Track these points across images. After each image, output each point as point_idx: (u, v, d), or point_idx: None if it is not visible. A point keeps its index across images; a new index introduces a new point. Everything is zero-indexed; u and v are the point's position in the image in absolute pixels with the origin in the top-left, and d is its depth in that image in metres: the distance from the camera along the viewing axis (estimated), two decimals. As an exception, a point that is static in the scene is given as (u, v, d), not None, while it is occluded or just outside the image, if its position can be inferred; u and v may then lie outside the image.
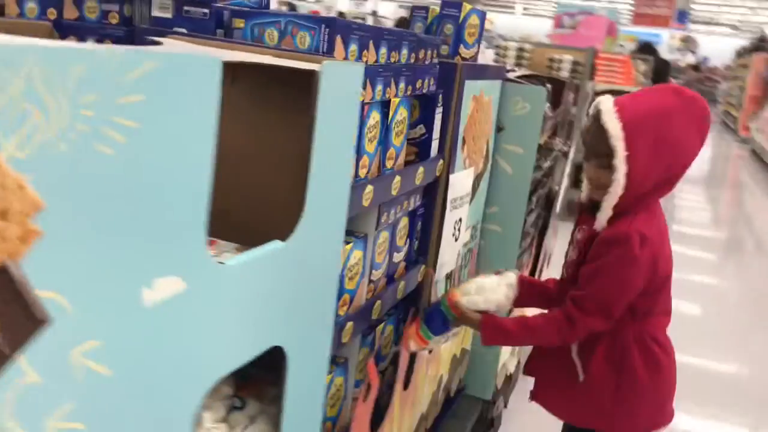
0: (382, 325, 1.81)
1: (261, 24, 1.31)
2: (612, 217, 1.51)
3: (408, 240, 1.86)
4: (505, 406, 2.75)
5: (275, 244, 0.94)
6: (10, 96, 0.53)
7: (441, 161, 1.86)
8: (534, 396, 1.76)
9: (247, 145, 1.10)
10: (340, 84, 1.03)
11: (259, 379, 1.11)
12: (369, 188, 1.43)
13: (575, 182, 6.29)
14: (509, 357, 2.67)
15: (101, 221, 0.65)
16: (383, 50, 1.53)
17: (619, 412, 1.59)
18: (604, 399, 1.58)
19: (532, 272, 2.94)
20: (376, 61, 1.50)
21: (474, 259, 2.39)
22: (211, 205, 1.17)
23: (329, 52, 1.28)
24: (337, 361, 1.60)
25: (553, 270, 3.63)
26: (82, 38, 1.49)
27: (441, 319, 1.64)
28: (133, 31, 1.47)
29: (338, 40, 1.29)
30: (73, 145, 0.59)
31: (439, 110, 1.81)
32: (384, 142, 1.55)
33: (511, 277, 1.74)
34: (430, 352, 1.83)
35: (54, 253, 0.60)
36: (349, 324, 1.50)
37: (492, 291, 1.65)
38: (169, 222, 0.73)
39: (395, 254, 1.78)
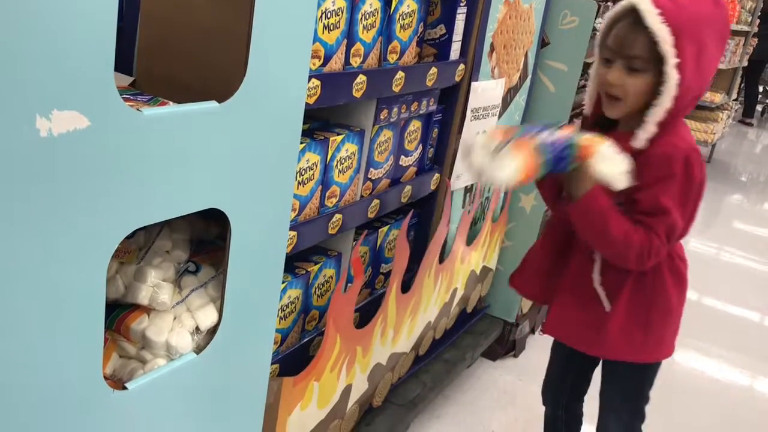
0: (386, 228, 1.80)
1: None
2: (656, 133, 1.36)
3: (421, 146, 1.82)
4: (533, 332, 2.72)
5: (210, 104, 0.94)
6: None
7: (462, 66, 1.80)
8: (549, 327, 1.60)
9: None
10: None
11: (221, 249, 1.13)
12: (361, 78, 1.40)
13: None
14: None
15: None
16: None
17: (651, 341, 1.48)
18: (636, 329, 1.46)
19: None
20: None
21: (504, 177, 2.33)
22: (157, 68, 1.17)
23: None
24: (328, 254, 1.62)
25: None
26: None
27: (564, 158, 1.31)
28: None
29: None
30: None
31: (462, 10, 1.73)
32: (386, 33, 1.50)
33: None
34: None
35: None
36: (338, 216, 1.51)
37: (612, 164, 1.34)
38: (71, 53, 0.73)
39: (403, 158, 1.75)
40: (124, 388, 0.96)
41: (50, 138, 0.75)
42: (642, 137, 1.36)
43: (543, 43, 2.28)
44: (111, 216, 0.84)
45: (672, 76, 1.30)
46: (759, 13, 6.57)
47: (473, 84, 1.86)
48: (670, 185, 1.35)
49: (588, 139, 1.33)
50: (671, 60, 1.29)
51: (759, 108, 9.44)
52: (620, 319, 1.46)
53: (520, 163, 1.26)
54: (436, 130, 1.87)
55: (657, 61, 1.31)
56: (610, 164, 1.31)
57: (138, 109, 0.85)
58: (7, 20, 0.67)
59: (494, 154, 1.26)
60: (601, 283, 1.49)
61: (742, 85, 8.43)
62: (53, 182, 0.77)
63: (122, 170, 0.84)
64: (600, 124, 1.47)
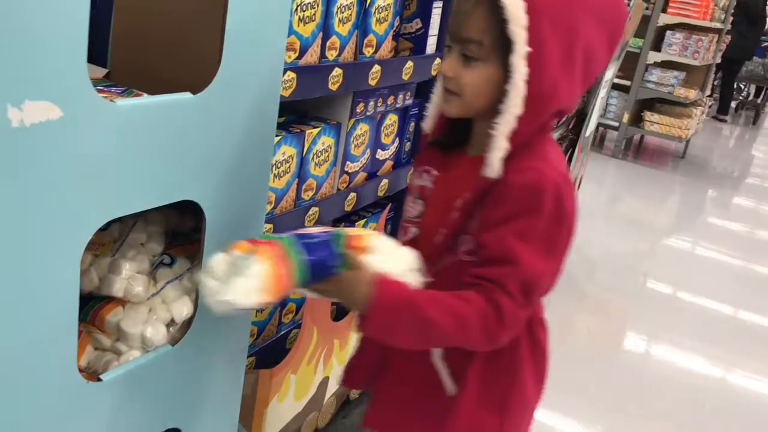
0: (363, 221, 1.81)
1: None
2: (511, 153, 0.96)
3: (398, 139, 1.83)
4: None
5: (184, 96, 0.94)
6: None
7: (438, 60, 1.81)
8: (370, 419, 1.19)
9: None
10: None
11: (197, 242, 1.13)
12: (337, 71, 1.40)
13: (636, 119, 6.08)
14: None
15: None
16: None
17: (508, 427, 1.11)
18: (489, 416, 1.08)
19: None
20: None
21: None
22: (131, 59, 1.17)
23: None
24: (305, 248, 1.62)
25: (582, 196, 3.55)
26: None
27: (327, 257, 0.95)
28: None
29: None
30: None
31: (438, 4, 1.75)
32: (362, 26, 1.51)
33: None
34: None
35: None
36: (314, 209, 1.51)
37: (395, 260, 1.00)
38: (47, 41, 0.73)
39: (380, 151, 1.76)
40: (99, 380, 0.96)
41: (22, 128, 0.74)
42: (493, 160, 0.96)
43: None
44: (84, 207, 0.84)
45: (519, 70, 0.92)
46: (732, 11, 6.66)
47: (449, 78, 1.87)
48: (532, 225, 0.95)
49: (357, 230, 1.00)
50: (520, 48, 0.92)
51: (733, 105, 9.57)
52: (469, 404, 1.07)
53: (264, 276, 0.88)
54: (412, 123, 1.88)
55: (506, 48, 0.93)
56: (390, 260, 0.97)
57: (111, 100, 0.85)
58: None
59: (232, 272, 0.89)
60: (442, 357, 1.08)
61: (716, 81, 8.55)
62: (25, 172, 0.76)
63: (96, 161, 0.84)
64: (444, 146, 1.10)
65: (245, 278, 0.87)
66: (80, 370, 0.92)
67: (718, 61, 6.91)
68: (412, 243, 1.07)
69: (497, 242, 0.96)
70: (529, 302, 0.97)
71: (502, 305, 0.95)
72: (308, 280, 0.93)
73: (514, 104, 0.94)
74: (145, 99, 0.90)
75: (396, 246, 1.01)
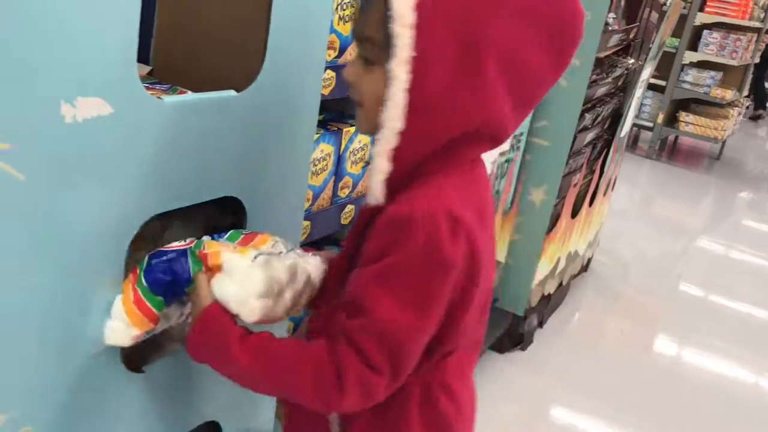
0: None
1: None
2: (397, 179, 0.81)
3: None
4: (540, 326, 2.73)
5: (228, 93, 0.95)
6: None
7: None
8: None
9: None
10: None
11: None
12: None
13: (671, 119, 5.99)
14: (547, 276, 2.63)
15: (14, 23, 0.67)
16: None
17: None
18: None
19: (592, 195, 2.85)
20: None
21: (512, 171, 2.33)
22: (174, 58, 1.18)
23: None
24: (340, 245, 1.63)
25: (615, 197, 3.51)
26: None
27: (184, 272, 0.88)
28: None
29: None
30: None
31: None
32: (400, 25, 1.51)
33: (301, 266, 0.90)
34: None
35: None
36: (350, 207, 1.52)
37: (240, 283, 0.85)
38: (97, 41, 0.75)
39: (415, 149, 1.76)
40: (142, 371, 0.98)
41: (74, 123, 0.76)
42: (373, 184, 0.82)
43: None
44: (130, 202, 0.86)
45: (398, 77, 0.77)
46: (772, 10, 6.54)
47: (485, 77, 1.87)
48: (394, 266, 0.79)
49: (213, 244, 0.89)
50: (401, 51, 0.76)
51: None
52: None
53: (125, 306, 0.86)
54: (447, 122, 1.88)
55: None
56: (233, 283, 0.85)
57: (158, 97, 0.87)
58: (33, 10, 0.69)
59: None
60: (339, 419, 0.92)
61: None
62: (75, 165, 0.78)
63: (142, 157, 0.86)
64: None
65: (111, 320, 0.87)
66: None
67: (757, 60, 6.79)
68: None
69: (356, 285, 0.81)
70: (391, 365, 0.79)
71: (344, 364, 0.78)
72: (165, 301, 0.88)
73: (391, 117, 0.78)
74: (191, 96, 0.92)
75: (249, 266, 0.85)
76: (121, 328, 0.87)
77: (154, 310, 0.88)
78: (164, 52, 1.20)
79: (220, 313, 0.85)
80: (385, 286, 0.79)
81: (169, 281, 0.88)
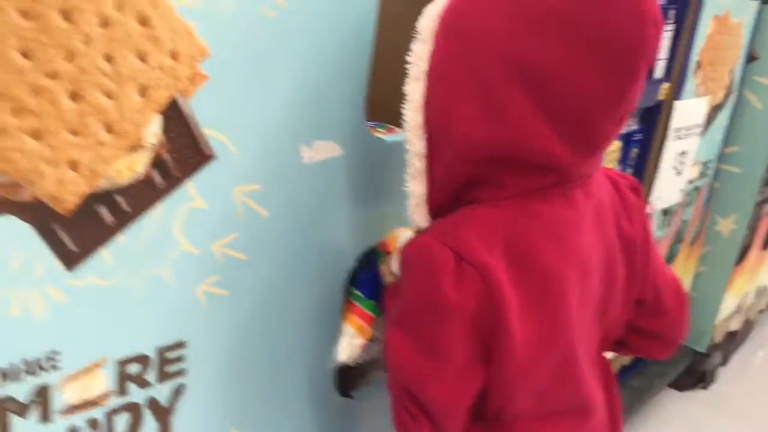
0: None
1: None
2: (442, 204, 0.75)
3: (621, 166, 1.78)
4: (723, 364, 2.55)
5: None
6: (184, -47, 0.63)
7: (666, 84, 1.73)
8: None
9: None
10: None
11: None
12: (569, 100, 1.39)
13: None
14: (734, 312, 2.46)
15: (266, 78, 0.73)
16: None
17: None
18: None
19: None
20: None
21: (701, 199, 2.20)
22: (385, 94, 1.23)
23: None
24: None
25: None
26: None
27: (373, 272, 0.92)
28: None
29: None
30: (239, 5, 0.68)
31: (669, 27, 1.67)
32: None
33: None
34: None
35: (220, 99, 0.70)
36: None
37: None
38: (330, 93, 0.81)
39: (601, 177, 1.72)
40: (351, 396, 1.02)
41: (310, 164, 0.82)
42: (411, 211, 0.77)
43: (750, 57, 2.14)
44: (357, 231, 0.91)
45: (410, 96, 0.72)
46: None
47: (676, 103, 1.79)
48: (401, 307, 0.76)
49: (395, 232, 0.90)
50: (412, 67, 0.72)
51: None
52: None
53: (348, 321, 0.92)
54: (635, 149, 1.82)
55: None
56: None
57: (379, 137, 0.91)
58: (283, 75, 0.75)
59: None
60: None
61: None
62: (309, 202, 0.84)
63: (366, 190, 0.90)
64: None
65: (341, 336, 0.92)
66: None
67: None
68: None
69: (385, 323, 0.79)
70: (425, 413, 0.73)
71: (393, 410, 0.77)
72: (378, 304, 0.91)
73: (409, 139, 0.74)
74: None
75: None
76: (350, 341, 0.91)
77: (370, 313, 0.92)
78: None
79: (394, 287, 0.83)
80: (398, 327, 0.75)
81: (375, 281, 0.91)
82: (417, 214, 0.76)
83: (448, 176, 0.73)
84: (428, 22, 0.71)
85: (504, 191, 0.72)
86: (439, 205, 0.75)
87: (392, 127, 1.09)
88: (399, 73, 1.02)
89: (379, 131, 1.06)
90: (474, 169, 0.71)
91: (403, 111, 0.73)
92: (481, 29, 0.68)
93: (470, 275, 0.69)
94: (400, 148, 0.93)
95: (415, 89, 0.71)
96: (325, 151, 0.83)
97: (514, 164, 0.70)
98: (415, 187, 0.75)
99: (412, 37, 0.72)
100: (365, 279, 0.93)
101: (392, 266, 0.86)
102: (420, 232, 0.75)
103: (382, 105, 1.23)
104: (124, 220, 0.67)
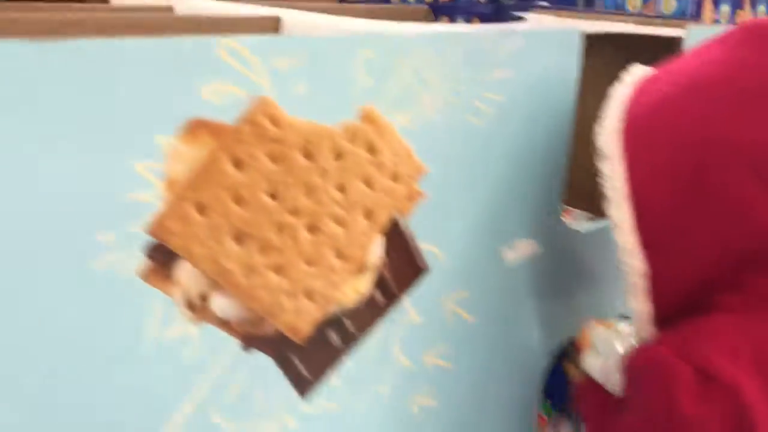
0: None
1: (623, -8, 1.29)
2: (668, 315, 0.68)
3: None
4: None
5: (630, 214, 0.94)
6: (404, 78, 0.64)
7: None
8: None
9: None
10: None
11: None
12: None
13: None
14: None
15: (470, 186, 0.73)
16: (762, 7, 1.38)
17: None
18: None
19: None
20: (752, 19, 1.37)
21: None
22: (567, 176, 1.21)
23: (697, 15, 1.21)
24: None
25: None
26: (452, 18, 1.63)
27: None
28: (499, 8, 1.56)
29: (708, 1, 1.22)
30: (448, 118, 0.68)
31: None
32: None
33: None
34: None
35: (432, 212, 0.70)
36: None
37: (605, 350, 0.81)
38: (530, 190, 0.79)
39: None
40: None
41: (511, 266, 0.80)
42: (636, 326, 0.71)
43: None
44: (553, 328, 0.89)
45: (618, 221, 0.66)
46: None
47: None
48: (626, 426, 0.68)
49: (587, 327, 0.84)
50: (613, 192, 0.66)
51: None
52: None
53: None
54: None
55: None
56: (595, 354, 0.80)
57: (573, 228, 0.88)
58: (485, 172, 0.74)
59: None
60: None
61: None
62: (513, 302, 0.82)
63: (562, 284, 0.88)
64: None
65: None
66: None
67: None
68: None
69: None
70: None
71: None
72: (553, 404, 0.90)
73: (625, 262, 0.67)
74: (599, 224, 0.92)
75: (610, 335, 0.79)
76: None
77: (543, 415, 0.91)
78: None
79: (588, 387, 0.79)
80: None
81: (551, 381, 0.88)
82: (644, 331, 0.70)
83: (679, 286, 0.67)
84: (609, 137, 0.65)
85: (751, 295, 0.64)
86: (667, 315, 0.68)
87: (568, 208, 1.06)
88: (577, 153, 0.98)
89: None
90: (714, 272, 0.64)
91: (614, 235, 0.67)
92: (685, 124, 0.61)
93: (716, 393, 0.61)
94: (592, 237, 0.91)
95: (620, 214, 0.65)
96: (524, 249, 0.81)
97: (762, 264, 0.63)
98: (639, 305, 0.68)
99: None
100: (553, 384, 0.90)
101: (582, 364, 0.82)
102: (649, 341, 0.69)
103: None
104: (350, 341, 0.67)
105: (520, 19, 1.20)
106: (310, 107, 0.58)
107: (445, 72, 0.66)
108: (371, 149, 0.63)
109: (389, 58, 0.62)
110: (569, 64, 0.78)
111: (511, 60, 0.72)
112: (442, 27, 0.73)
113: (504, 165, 0.75)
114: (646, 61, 1.00)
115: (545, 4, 1.42)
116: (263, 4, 1.07)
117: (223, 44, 0.51)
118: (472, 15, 1.62)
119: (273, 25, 0.89)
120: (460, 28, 0.70)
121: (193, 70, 0.50)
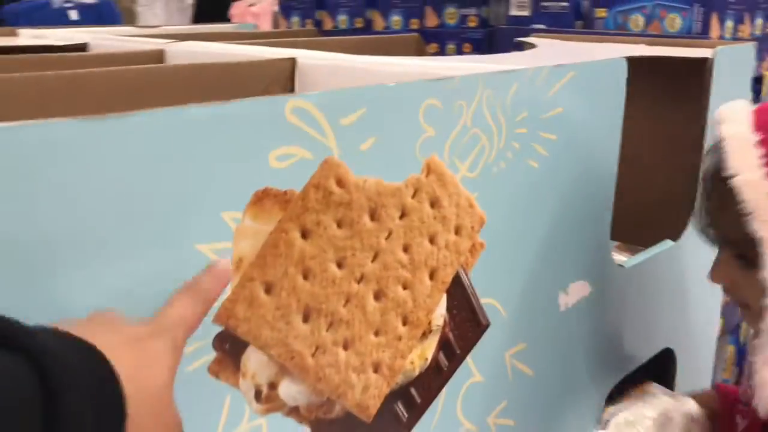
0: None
1: (625, 11, 1.27)
2: None
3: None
4: None
5: (666, 245, 0.91)
6: (464, 123, 0.59)
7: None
8: None
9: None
10: (732, 68, 0.95)
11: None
12: None
13: None
14: None
15: (527, 232, 0.68)
16: (759, 20, 1.38)
17: None
18: None
19: None
20: (751, 34, 1.36)
21: None
22: None
23: (704, 33, 1.19)
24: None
25: None
26: (442, 44, 1.59)
27: None
28: (490, 32, 1.53)
29: (714, 17, 1.20)
30: (509, 162, 0.63)
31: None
32: None
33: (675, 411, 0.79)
34: None
35: (493, 263, 0.65)
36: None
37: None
38: (581, 229, 0.75)
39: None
40: None
41: (566, 310, 0.75)
42: (762, 398, 0.62)
43: None
44: (599, 371, 0.84)
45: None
46: None
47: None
48: None
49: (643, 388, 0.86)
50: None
51: None
52: None
53: None
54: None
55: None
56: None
57: (620, 265, 0.84)
58: (540, 218, 0.69)
59: None
60: None
61: None
62: (568, 348, 0.77)
63: (614, 323, 0.84)
64: None
65: None
66: None
67: None
68: None
69: None
70: None
71: None
72: None
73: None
74: (644, 255, 0.88)
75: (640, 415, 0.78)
76: None
77: None
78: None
79: None
80: None
81: None
82: (764, 401, 0.62)
83: None
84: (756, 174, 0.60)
85: None
86: None
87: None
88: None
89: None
90: None
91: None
92: None
93: None
94: (638, 272, 0.87)
95: None
96: (578, 293, 0.76)
97: None
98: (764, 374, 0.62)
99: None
100: None
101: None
102: None
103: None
104: (416, 412, 0.62)
105: (523, 45, 1.16)
106: (376, 162, 0.52)
107: (504, 114, 0.62)
108: (434, 203, 0.57)
109: (450, 105, 0.57)
110: (617, 93, 0.74)
111: (561, 95, 0.67)
112: (493, 65, 0.68)
113: (557, 206, 0.71)
114: (672, 84, 0.97)
115: (542, 27, 1.39)
116: (243, 43, 1.01)
117: (290, 104, 0.46)
118: (462, 41, 1.59)
119: (288, 66, 0.83)
120: (510, 64, 0.65)
121: (264, 134, 0.44)
